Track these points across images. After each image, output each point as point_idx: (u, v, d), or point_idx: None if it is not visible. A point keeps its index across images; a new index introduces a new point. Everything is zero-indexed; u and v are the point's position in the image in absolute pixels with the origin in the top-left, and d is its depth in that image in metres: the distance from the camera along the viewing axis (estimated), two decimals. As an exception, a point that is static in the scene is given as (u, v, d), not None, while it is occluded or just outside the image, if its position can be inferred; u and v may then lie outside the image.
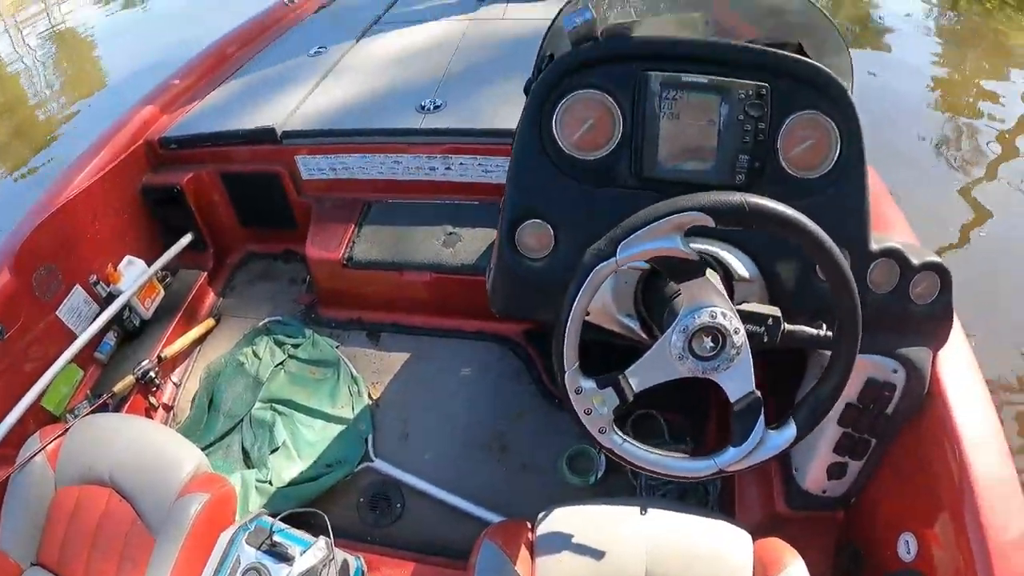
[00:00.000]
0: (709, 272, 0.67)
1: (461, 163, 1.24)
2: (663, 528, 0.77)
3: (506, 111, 1.17)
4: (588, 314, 0.68)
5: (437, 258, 1.17)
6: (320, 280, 1.25)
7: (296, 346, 1.22)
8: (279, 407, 1.17)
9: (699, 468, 0.69)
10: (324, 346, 1.20)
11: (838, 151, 0.75)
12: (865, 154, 0.76)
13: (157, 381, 1.22)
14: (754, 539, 0.77)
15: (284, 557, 0.86)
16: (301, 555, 0.86)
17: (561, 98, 0.75)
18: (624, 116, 0.75)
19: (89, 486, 0.97)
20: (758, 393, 0.66)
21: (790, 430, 0.69)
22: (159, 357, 1.22)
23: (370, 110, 1.33)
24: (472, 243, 1.17)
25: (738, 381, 0.66)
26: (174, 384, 1.27)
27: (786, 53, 0.75)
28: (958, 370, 0.86)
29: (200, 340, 1.31)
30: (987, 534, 0.73)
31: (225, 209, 1.39)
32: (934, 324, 0.83)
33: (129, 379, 1.18)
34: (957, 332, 0.87)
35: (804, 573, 0.73)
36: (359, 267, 1.19)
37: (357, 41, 1.63)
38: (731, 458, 0.68)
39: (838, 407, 0.87)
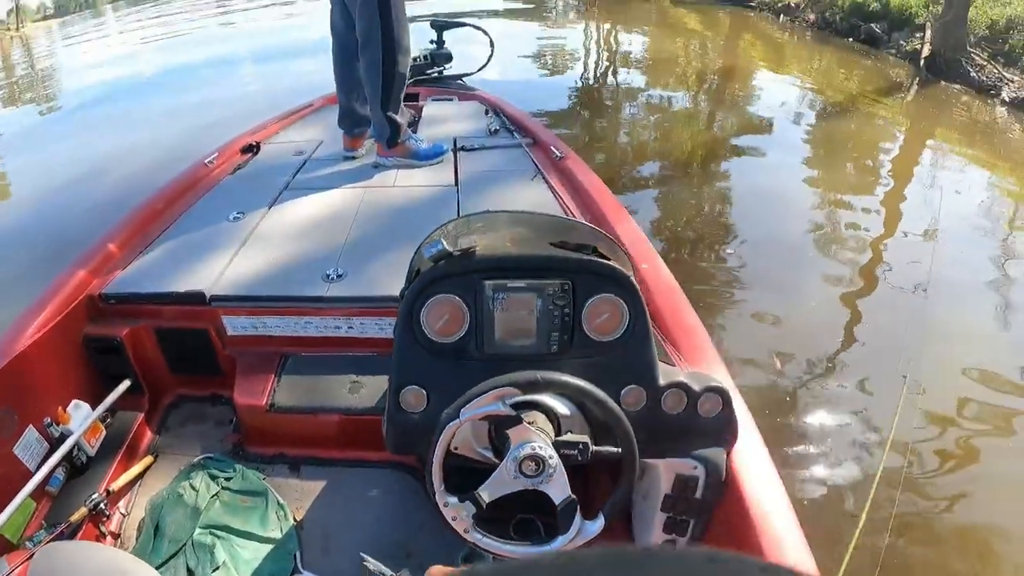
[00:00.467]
0: (535, 414, 1.01)
1: (361, 323, 1.53)
2: None
3: (395, 280, 1.42)
4: (456, 448, 1.03)
5: (345, 403, 1.44)
6: (246, 422, 1.50)
7: (228, 479, 1.46)
8: (217, 532, 1.41)
9: (539, 550, 1.01)
10: (252, 478, 1.45)
11: (628, 320, 1.08)
12: (648, 321, 1.09)
13: (106, 512, 1.42)
14: None
15: None
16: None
17: (425, 302, 1.07)
18: (469, 311, 1.08)
19: None
20: (574, 496, 0.98)
21: (600, 520, 1.01)
22: (107, 491, 1.43)
23: (284, 277, 1.60)
24: (372, 390, 1.46)
25: (557, 489, 0.98)
26: (121, 514, 1.48)
27: (583, 257, 1.08)
28: (752, 460, 1.16)
29: (141, 474, 1.53)
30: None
31: (158, 358, 1.62)
32: (722, 431, 1.14)
33: (82, 510, 1.38)
34: (750, 430, 1.19)
35: None
36: (280, 411, 1.44)
37: (269, 208, 1.91)
38: (560, 543, 0.99)
39: (659, 497, 1.20)
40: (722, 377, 1.24)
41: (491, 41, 3.58)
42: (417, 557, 1.37)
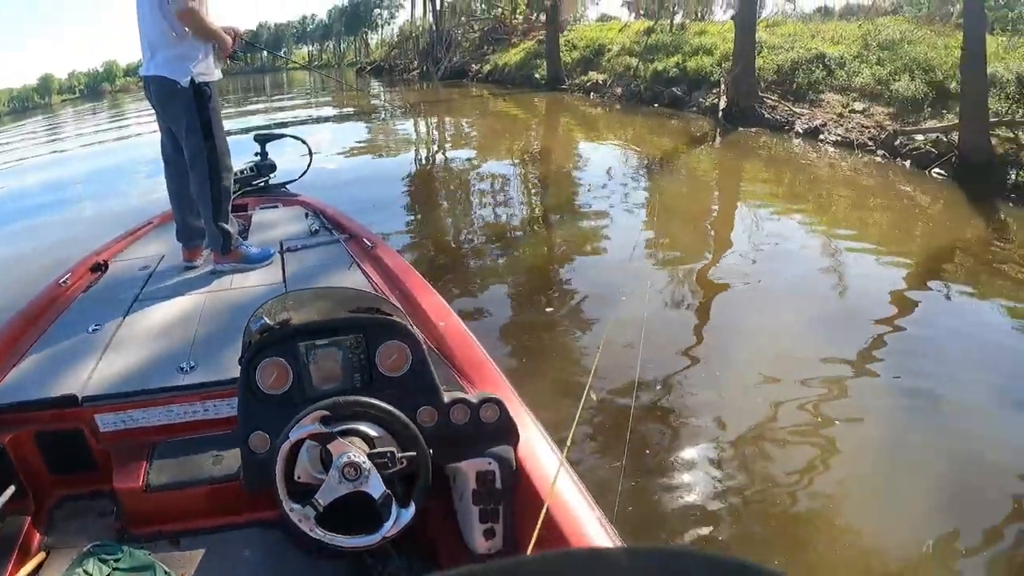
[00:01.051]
0: (352, 438, 1.35)
1: (215, 404, 1.83)
2: None
3: (235, 365, 1.69)
4: (299, 477, 1.37)
5: (210, 474, 1.72)
6: (127, 506, 1.74)
7: (117, 560, 1.69)
8: None
9: (371, 539, 1.35)
10: (139, 556, 1.69)
11: (411, 357, 1.49)
12: (426, 357, 1.50)
13: None
14: None
15: None
16: None
17: (257, 365, 1.44)
18: (291, 367, 1.46)
19: None
20: (389, 492, 1.32)
21: (411, 507, 1.37)
22: None
23: (144, 374, 1.88)
24: (232, 460, 1.74)
25: (375, 488, 1.33)
26: None
27: (369, 316, 1.50)
28: (538, 450, 1.54)
29: (36, 571, 1.72)
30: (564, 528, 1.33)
31: (39, 462, 1.83)
32: (505, 432, 1.53)
33: None
34: (532, 428, 1.59)
35: None
36: (156, 490, 1.70)
37: (124, 318, 2.19)
38: (384, 531, 1.34)
39: (469, 493, 1.55)
40: (508, 394, 1.65)
41: (310, 150, 4.17)
42: None
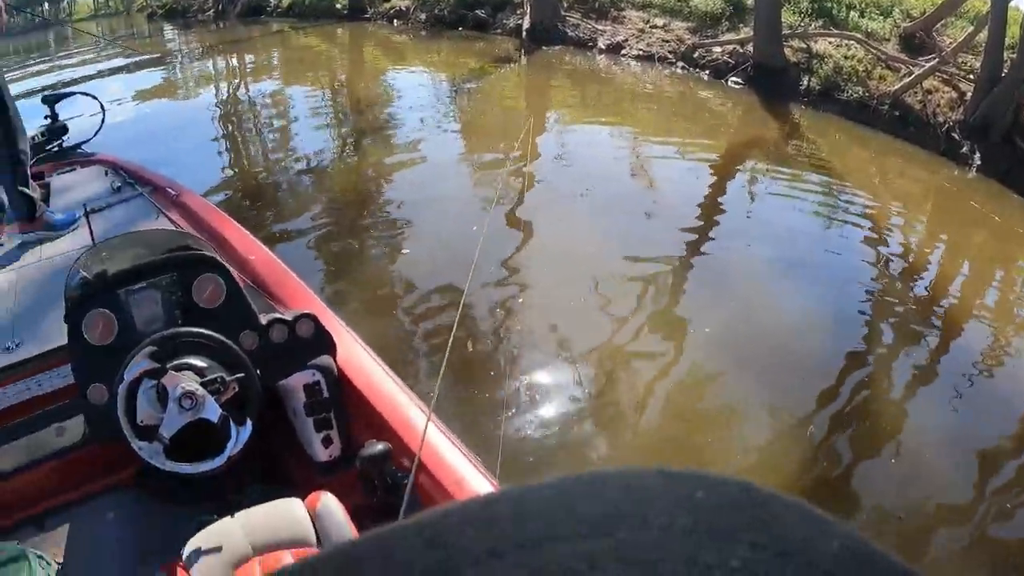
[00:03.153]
0: (183, 371, 1.40)
1: (48, 376, 1.74)
2: (251, 516, 1.40)
3: (61, 331, 1.61)
4: (143, 421, 1.41)
5: (57, 446, 1.64)
6: None
7: None
8: None
9: (218, 461, 1.42)
10: (8, 548, 1.57)
11: (225, 288, 1.55)
12: (239, 285, 1.56)
13: None
14: (304, 499, 1.44)
15: None
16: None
17: (81, 319, 1.44)
18: (115, 316, 1.47)
19: None
20: (225, 413, 1.40)
21: (248, 424, 1.46)
22: None
23: None
24: (75, 428, 1.66)
25: (211, 412, 1.40)
26: None
27: (180, 254, 1.55)
28: (353, 356, 1.68)
29: None
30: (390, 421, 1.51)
31: None
32: (322, 342, 1.64)
33: None
34: (349, 338, 1.72)
35: (333, 500, 1.38)
36: (5, 478, 1.60)
37: None
38: (228, 450, 1.42)
39: (300, 407, 1.65)
40: (321, 310, 1.76)
41: (102, 106, 3.80)
42: (161, 544, 1.58)
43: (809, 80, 7.69)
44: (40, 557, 1.63)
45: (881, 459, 2.65)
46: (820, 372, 3.06)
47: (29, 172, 2.48)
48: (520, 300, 3.51)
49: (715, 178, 5.38)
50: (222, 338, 1.46)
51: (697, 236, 4.28)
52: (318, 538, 1.37)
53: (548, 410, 2.77)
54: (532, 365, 3.03)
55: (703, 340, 3.22)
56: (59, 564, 1.62)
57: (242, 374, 1.46)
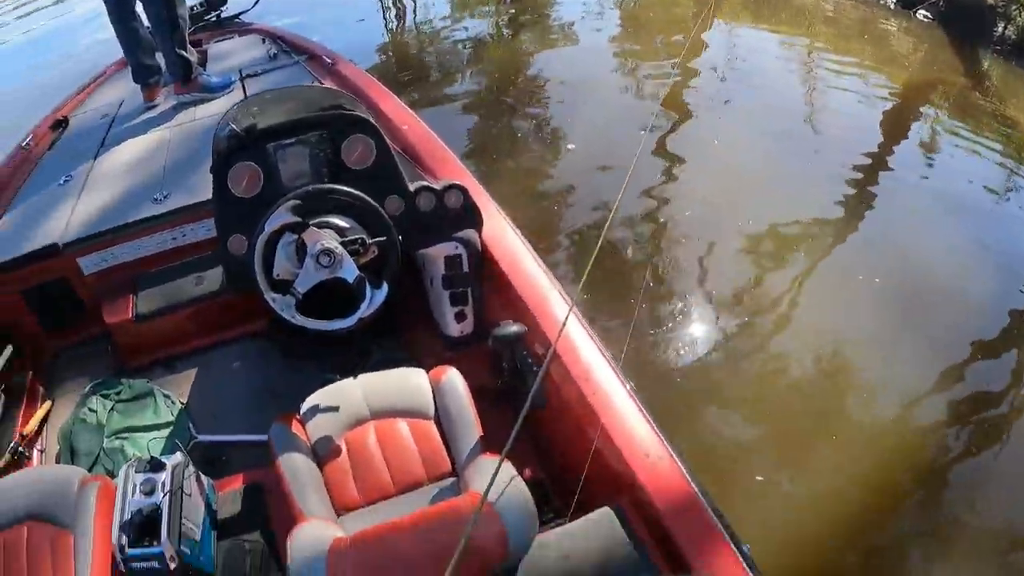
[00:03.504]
0: (324, 228, 1.39)
1: (192, 229, 1.84)
2: (373, 380, 1.38)
3: (208, 186, 1.65)
4: (279, 275, 1.42)
5: (194, 294, 1.75)
6: (120, 340, 1.78)
7: (118, 393, 1.75)
8: (122, 435, 1.70)
9: (349, 321, 1.40)
10: (137, 384, 1.75)
11: (375, 149, 1.51)
12: (390, 148, 1.52)
13: (26, 454, 1.69)
14: (428, 371, 1.40)
15: (160, 466, 1.34)
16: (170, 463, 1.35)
17: (227, 171, 1.45)
18: (261, 169, 1.48)
19: (6, 531, 1.29)
20: (362, 274, 1.37)
21: (384, 288, 1.42)
22: (21, 435, 1.69)
23: (119, 210, 1.87)
24: (213, 279, 1.77)
25: (348, 272, 1.38)
26: (39, 451, 1.74)
27: (333, 112, 1.51)
28: (499, 234, 1.61)
29: (45, 418, 1.79)
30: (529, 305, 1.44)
31: (31, 318, 1.86)
32: (471, 216, 1.59)
33: (7, 456, 1.64)
34: (497, 215, 1.64)
35: (457, 376, 1.35)
36: (145, 319, 1.74)
37: (92, 164, 2.15)
38: (360, 312, 1.39)
39: (438, 279, 1.61)
40: (471, 183, 1.68)
41: None
42: (283, 396, 1.64)
43: (1005, 28, 6.50)
44: (167, 396, 1.77)
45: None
46: (994, 344, 2.61)
47: (187, 36, 2.52)
48: (671, 214, 3.26)
49: (889, 115, 4.69)
50: (367, 198, 1.43)
51: (865, 175, 3.78)
52: (436, 411, 1.35)
53: (680, 335, 2.58)
54: (673, 288, 2.83)
55: (865, 292, 2.86)
56: (183, 404, 1.76)
57: (384, 238, 1.43)
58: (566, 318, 1.13)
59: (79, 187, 2.03)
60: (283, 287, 1.40)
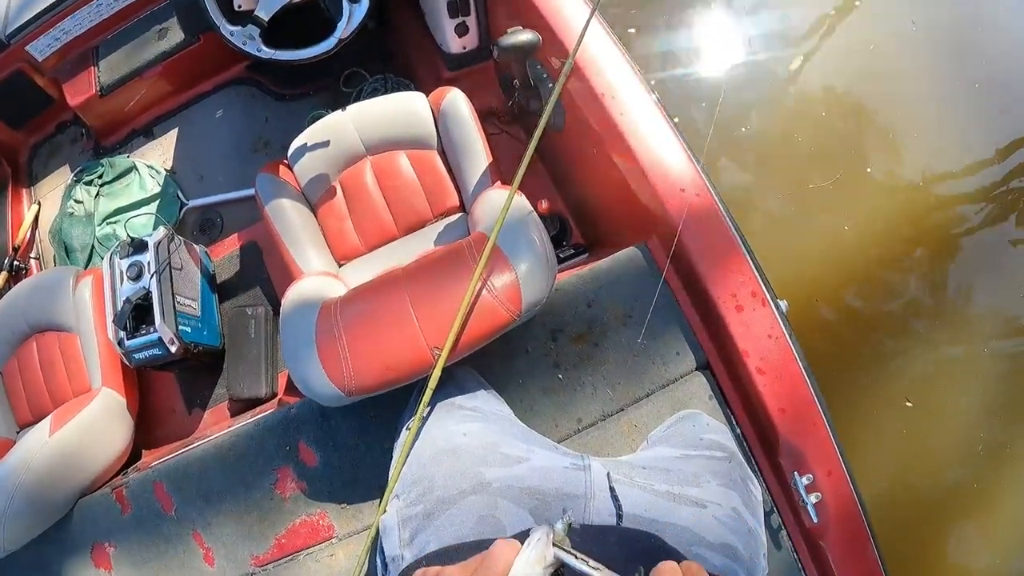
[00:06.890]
0: None
1: None
2: (365, 110, 1.18)
3: None
4: (241, 5, 1.16)
5: (160, 50, 1.51)
6: (90, 119, 1.59)
7: (100, 175, 1.57)
8: (112, 220, 1.55)
9: (329, 43, 1.14)
10: (119, 161, 1.57)
11: None
12: None
13: (23, 266, 1.58)
14: (428, 95, 1.19)
15: (142, 246, 1.25)
16: (152, 241, 1.25)
17: None
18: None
19: (18, 351, 1.28)
20: None
21: (364, 2, 1.13)
22: (14, 248, 1.56)
23: None
24: (178, 30, 1.52)
25: None
26: (33, 259, 1.61)
27: None
28: None
29: (35, 222, 1.64)
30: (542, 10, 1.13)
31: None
32: None
33: (3, 274, 1.54)
34: None
35: (461, 96, 1.13)
36: (110, 90, 1.53)
37: None
38: (339, 32, 1.13)
39: None
40: None
41: None
42: (273, 145, 1.51)
43: None
44: (150, 167, 1.57)
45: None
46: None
47: None
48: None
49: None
50: None
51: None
52: (439, 139, 1.16)
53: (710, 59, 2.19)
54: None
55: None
56: (168, 171, 1.59)
57: None
58: (587, 23, 0.91)
59: None
60: (247, 19, 1.16)
